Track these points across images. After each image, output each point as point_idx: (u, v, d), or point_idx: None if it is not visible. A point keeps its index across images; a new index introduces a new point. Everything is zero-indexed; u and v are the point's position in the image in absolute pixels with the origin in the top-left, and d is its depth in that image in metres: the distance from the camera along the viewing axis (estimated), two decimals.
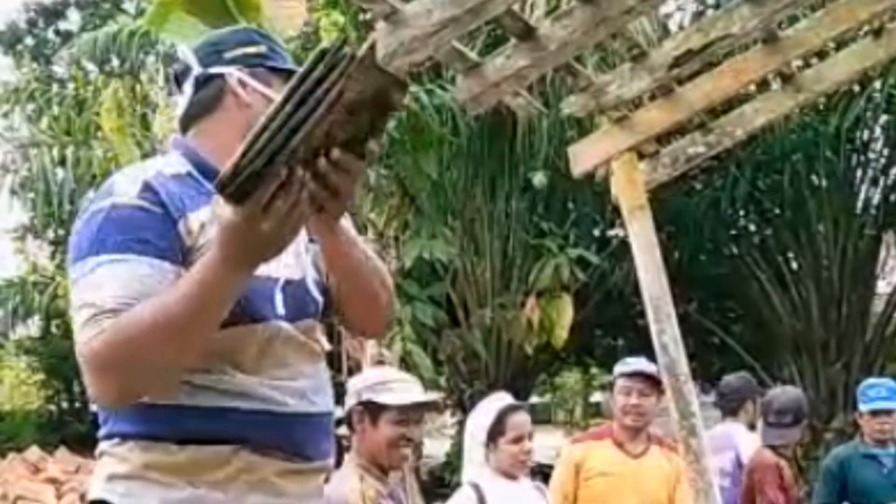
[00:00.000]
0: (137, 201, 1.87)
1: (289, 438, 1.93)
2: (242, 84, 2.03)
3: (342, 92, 1.59)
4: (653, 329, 3.70)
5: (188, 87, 2.06)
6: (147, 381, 1.80)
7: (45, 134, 13.22)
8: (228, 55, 2.06)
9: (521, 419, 3.90)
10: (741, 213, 14.63)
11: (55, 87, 14.80)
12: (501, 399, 4.06)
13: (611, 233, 14.67)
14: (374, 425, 3.37)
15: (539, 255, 11.81)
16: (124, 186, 1.91)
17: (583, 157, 3.95)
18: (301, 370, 1.98)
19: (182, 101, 2.08)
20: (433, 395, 3.58)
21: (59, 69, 19.34)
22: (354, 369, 7.37)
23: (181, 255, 1.87)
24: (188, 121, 2.08)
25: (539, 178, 11.19)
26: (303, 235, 1.99)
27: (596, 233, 14.89)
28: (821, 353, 13.19)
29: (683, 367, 3.56)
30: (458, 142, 11.47)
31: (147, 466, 1.88)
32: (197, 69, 2.06)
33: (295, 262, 2.01)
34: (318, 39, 9.42)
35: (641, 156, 4.04)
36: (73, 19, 21.74)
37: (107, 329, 1.75)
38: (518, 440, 3.87)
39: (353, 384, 3.47)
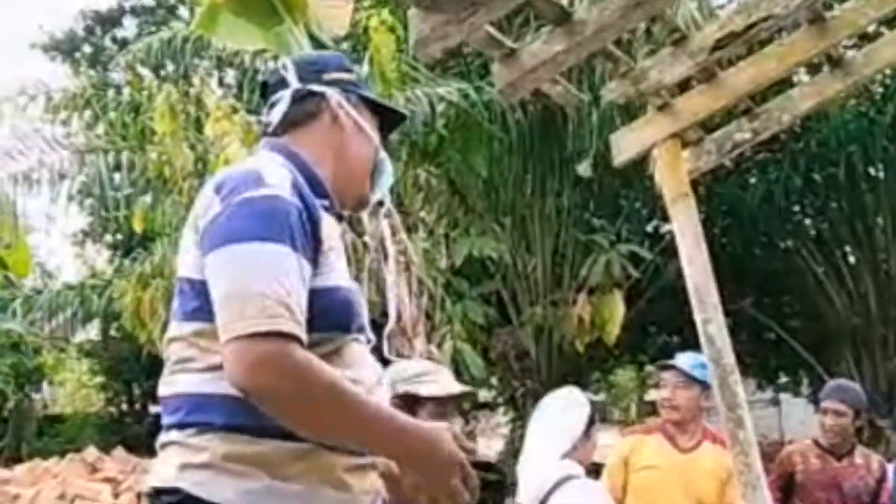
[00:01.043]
0: (294, 200, 1.93)
1: None
2: (340, 106, 2.18)
3: None
4: (697, 319, 3.63)
5: (286, 98, 2.17)
6: (288, 407, 1.83)
7: (101, 139, 13.39)
8: (327, 77, 2.21)
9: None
10: (796, 206, 14.42)
11: (111, 93, 14.98)
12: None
13: (664, 228, 14.53)
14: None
15: (590, 252, 11.73)
16: (277, 180, 1.95)
17: (624, 145, 3.90)
18: (369, 370, 2.07)
19: (277, 109, 2.18)
20: (466, 387, 3.52)
21: (115, 75, 19.59)
22: None
23: (315, 257, 1.94)
24: (284, 128, 2.18)
25: (584, 167, 11.10)
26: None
27: (648, 228, 14.76)
28: (879, 348, 12.95)
29: (730, 357, 3.49)
30: (508, 138, 11.42)
31: (226, 457, 1.89)
32: (296, 83, 2.18)
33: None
34: (368, 39, 9.42)
35: (685, 143, 3.98)
36: (128, 26, 22.01)
37: (290, 339, 1.80)
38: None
39: (389, 376, 3.42)
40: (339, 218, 2.16)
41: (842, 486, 4.82)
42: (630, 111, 7.66)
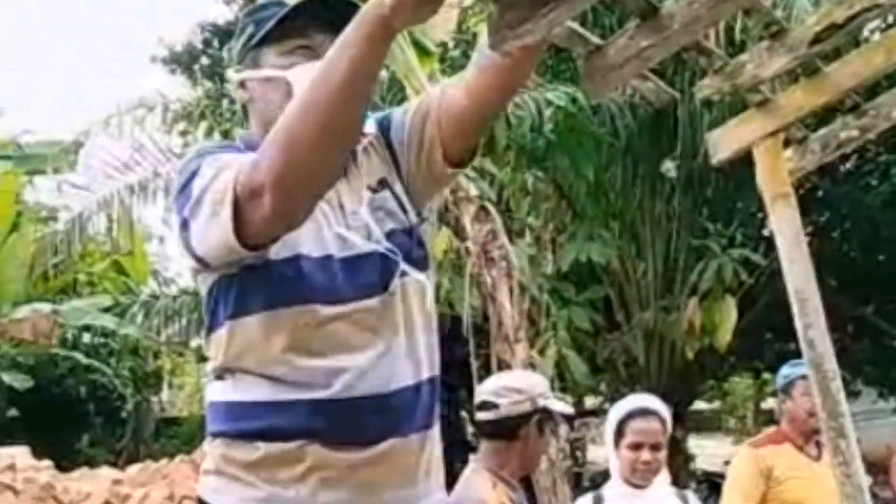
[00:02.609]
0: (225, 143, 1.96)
1: (364, 425, 1.86)
2: (242, 85, 2.06)
3: None
4: (798, 324, 3.47)
5: (237, 92, 2.12)
6: (305, 174, 1.70)
7: None
8: (236, 56, 2.10)
9: (644, 426, 3.65)
10: None
11: (225, 104, 15.31)
12: (636, 401, 3.86)
13: None
14: (540, 434, 3.24)
15: (701, 256, 11.49)
16: (210, 145, 2.00)
17: (722, 143, 3.75)
18: (379, 348, 1.90)
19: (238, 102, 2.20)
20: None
21: (231, 87, 20.01)
22: None
23: None
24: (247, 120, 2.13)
25: (667, 166, 10.87)
26: (374, 199, 1.99)
27: (764, 233, 14.38)
28: None
29: (832, 363, 3.34)
30: (617, 142, 11.27)
31: (228, 464, 1.90)
32: (233, 74, 2.11)
33: (363, 235, 1.96)
34: (475, 42, 9.40)
35: (788, 142, 3.83)
36: None
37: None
38: (636, 447, 3.64)
39: (522, 389, 3.25)
40: None
41: None
42: (733, 110, 7.45)
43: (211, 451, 1.94)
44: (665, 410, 3.75)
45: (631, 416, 3.69)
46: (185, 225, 1.84)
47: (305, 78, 1.85)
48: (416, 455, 1.93)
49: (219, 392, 1.95)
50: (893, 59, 3.46)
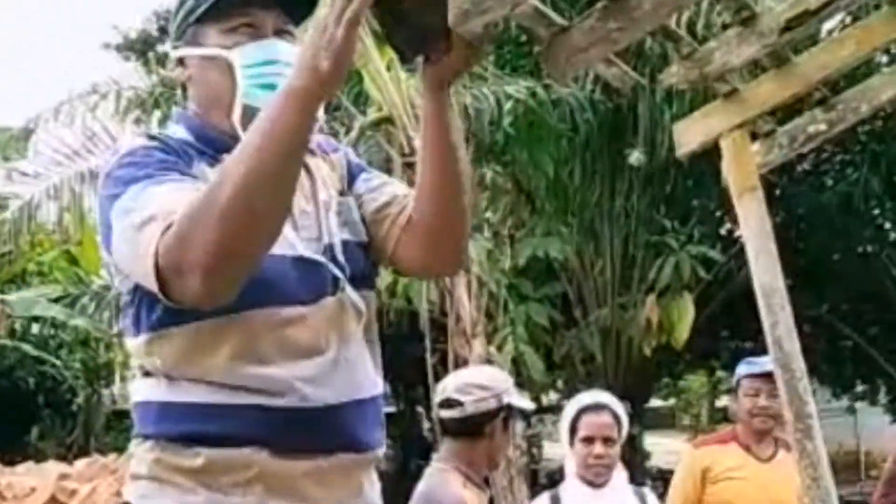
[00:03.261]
0: (150, 143, 1.78)
1: (316, 435, 1.76)
2: (181, 62, 1.93)
3: None
4: (765, 323, 3.37)
5: (175, 68, 1.97)
6: (235, 246, 1.56)
7: None
8: (175, 31, 1.96)
9: (596, 419, 3.62)
10: (876, 209, 13.96)
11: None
12: (589, 396, 3.81)
13: (739, 232, 14.17)
14: (505, 430, 3.15)
15: (659, 253, 11.47)
16: (129, 141, 1.81)
17: (687, 135, 3.64)
18: (328, 356, 1.80)
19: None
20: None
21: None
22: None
23: None
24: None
25: (636, 156, 10.81)
26: (331, 203, 1.91)
27: (722, 231, 14.42)
28: None
29: (799, 362, 3.24)
30: (577, 137, 11.21)
31: (161, 468, 1.77)
32: (171, 49, 1.99)
33: (314, 237, 1.86)
34: None
35: (755, 136, 3.73)
36: None
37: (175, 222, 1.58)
38: (588, 441, 3.61)
39: (487, 384, 3.14)
40: None
41: None
42: (695, 106, 7.39)
43: (141, 454, 1.80)
44: (619, 406, 3.72)
45: (584, 410, 3.66)
46: (107, 247, 1.73)
47: (247, 58, 1.82)
48: (365, 470, 1.88)
49: (150, 390, 1.81)
50: (863, 50, 3.37)
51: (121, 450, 13.28)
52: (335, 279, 1.84)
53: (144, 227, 1.61)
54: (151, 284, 1.60)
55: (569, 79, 2.88)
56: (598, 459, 3.59)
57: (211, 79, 1.88)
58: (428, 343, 7.56)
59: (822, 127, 3.71)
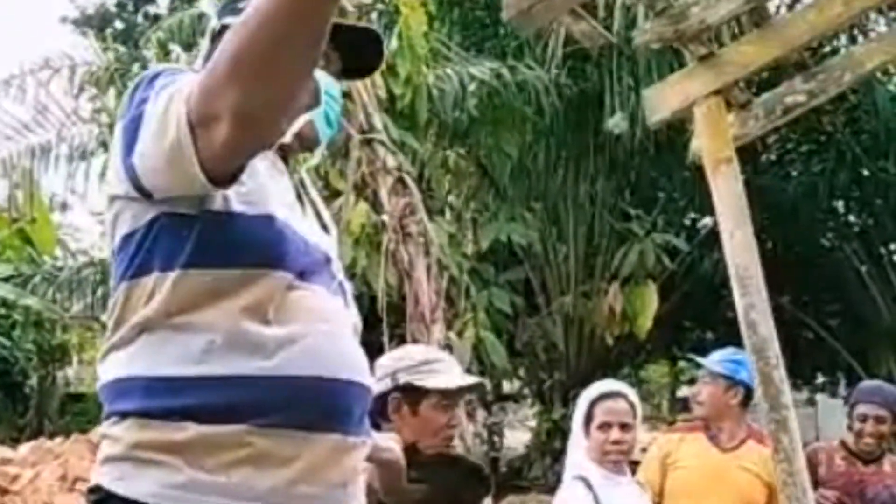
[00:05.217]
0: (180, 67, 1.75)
1: (304, 407, 1.71)
2: (221, 32, 1.87)
3: None
4: (739, 304, 3.17)
5: (206, 39, 1.97)
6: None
7: None
8: (242, 4, 1.82)
9: (612, 405, 3.59)
10: (840, 201, 13.93)
11: (136, 69, 14.77)
12: (603, 385, 3.76)
13: (702, 222, 14.09)
14: (413, 413, 2.92)
15: (624, 241, 11.33)
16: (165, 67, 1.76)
17: (660, 102, 3.41)
18: (324, 327, 1.76)
19: (201, 52, 1.97)
20: (476, 378, 3.13)
21: (148, 53, 19.45)
22: None
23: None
24: None
25: (616, 121, 10.60)
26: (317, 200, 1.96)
27: (686, 221, 14.33)
28: None
29: (775, 348, 3.03)
30: (542, 121, 11.04)
31: (141, 446, 1.68)
32: (214, 21, 1.96)
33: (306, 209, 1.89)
34: (398, 13, 9.02)
35: (730, 105, 3.50)
36: (161, 3, 21.88)
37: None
38: (605, 427, 3.57)
39: (387, 365, 2.97)
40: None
41: (865, 491, 4.53)
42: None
43: (118, 433, 1.70)
44: (633, 394, 3.72)
45: (599, 398, 3.63)
46: (129, 149, 1.66)
47: (328, 86, 1.87)
48: (356, 458, 1.82)
49: (128, 364, 1.72)
50: (853, 10, 3.14)
51: (81, 432, 12.98)
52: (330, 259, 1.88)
53: (170, 105, 1.59)
54: (188, 146, 1.56)
55: (533, 29, 2.64)
56: (615, 445, 3.57)
57: None
58: (385, 328, 7.30)
59: (801, 98, 3.50)
